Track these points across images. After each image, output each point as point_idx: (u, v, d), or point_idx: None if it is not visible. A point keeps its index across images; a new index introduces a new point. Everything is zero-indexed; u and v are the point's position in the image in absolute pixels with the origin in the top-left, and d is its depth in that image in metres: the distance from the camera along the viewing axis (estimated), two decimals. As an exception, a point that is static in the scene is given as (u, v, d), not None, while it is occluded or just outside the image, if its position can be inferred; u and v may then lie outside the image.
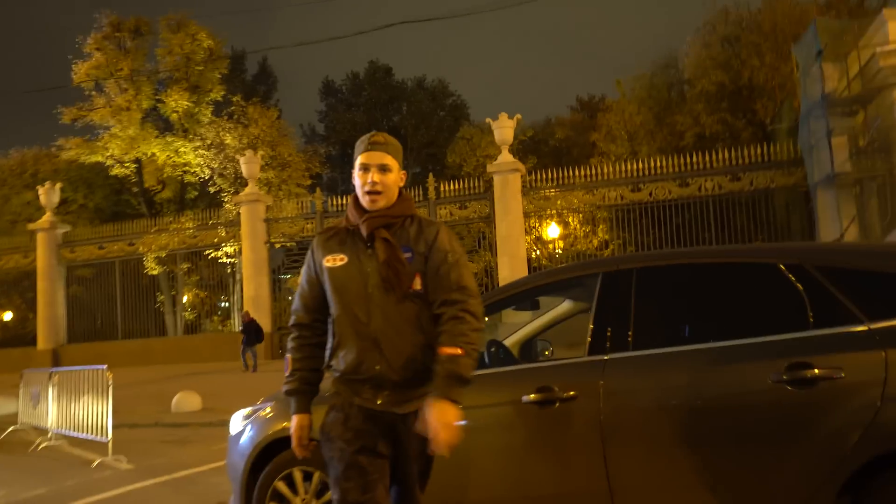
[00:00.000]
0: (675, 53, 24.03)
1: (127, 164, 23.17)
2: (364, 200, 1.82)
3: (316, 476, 3.01)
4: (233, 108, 24.33)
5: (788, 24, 19.35)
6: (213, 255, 20.53)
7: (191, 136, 23.40)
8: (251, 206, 18.75)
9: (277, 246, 19.16)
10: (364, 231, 1.78)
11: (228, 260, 20.79)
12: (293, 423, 1.92)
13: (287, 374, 1.93)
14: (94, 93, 22.81)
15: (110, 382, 6.94)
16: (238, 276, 20.62)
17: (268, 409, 3.35)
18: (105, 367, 7.06)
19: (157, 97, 23.41)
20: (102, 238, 20.57)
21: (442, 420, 1.64)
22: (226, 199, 22.31)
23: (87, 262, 20.60)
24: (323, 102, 36.67)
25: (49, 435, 7.85)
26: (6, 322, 24.22)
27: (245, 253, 18.76)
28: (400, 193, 1.90)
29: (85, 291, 21.27)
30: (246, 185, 19.54)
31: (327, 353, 1.88)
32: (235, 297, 21.64)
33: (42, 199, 20.53)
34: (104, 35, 22.50)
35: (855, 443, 2.04)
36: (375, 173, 1.79)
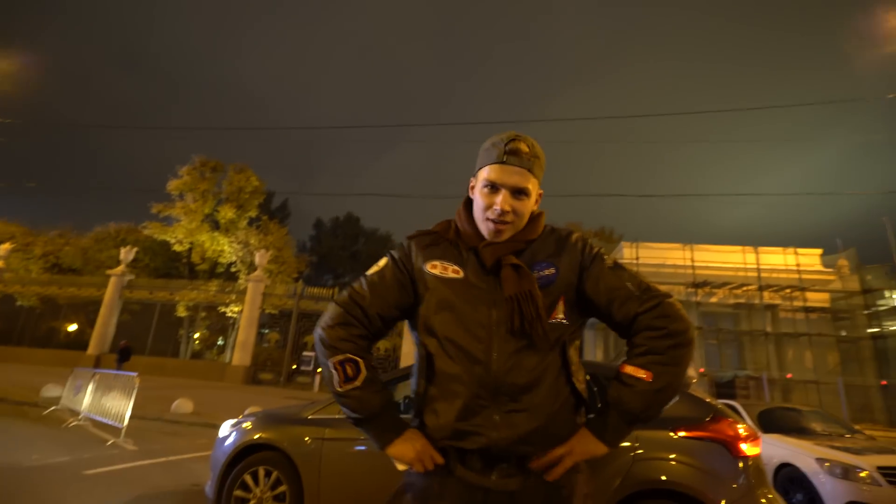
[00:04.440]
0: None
1: (184, 244, 25.44)
2: (484, 227, 1.06)
3: (274, 474, 3.15)
4: (261, 222, 27.33)
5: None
6: (223, 310, 22.47)
7: (229, 235, 25.87)
8: (256, 284, 20.73)
9: (266, 311, 20.91)
10: (487, 261, 1.03)
11: (232, 315, 22.64)
12: (408, 450, 1.01)
13: (354, 384, 1.01)
14: (177, 198, 25.43)
15: (136, 385, 6.75)
16: (236, 326, 22.23)
17: (248, 423, 3.45)
18: (136, 374, 6.98)
19: (216, 208, 25.98)
20: (153, 287, 22.31)
21: (578, 451, 0.98)
22: (240, 277, 24.41)
23: (139, 301, 22.05)
24: (314, 230, 42.82)
25: (80, 416, 7.62)
26: (70, 332, 24.49)
27: (245, 312, 20.51)
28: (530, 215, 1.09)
29: (131, 320, 22.23)
30: (256, 270, 21.61)
31: (414, 399, 1.06)
32: (230, 340, 23.41)
33: (121, 256, 22.46)
34: (193, 167, 25.81)
35: (617, 485, 2.51)
36: (508, 198, 1.03)
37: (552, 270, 1.04)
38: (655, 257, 19.24)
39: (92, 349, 20.80)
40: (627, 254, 19.29)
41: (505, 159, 1.04)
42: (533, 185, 1.06)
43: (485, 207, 1.06)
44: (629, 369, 0.99)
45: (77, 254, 26.75)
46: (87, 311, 23.62)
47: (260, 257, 21.76)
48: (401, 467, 1.03)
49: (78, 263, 26.47)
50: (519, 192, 1.04)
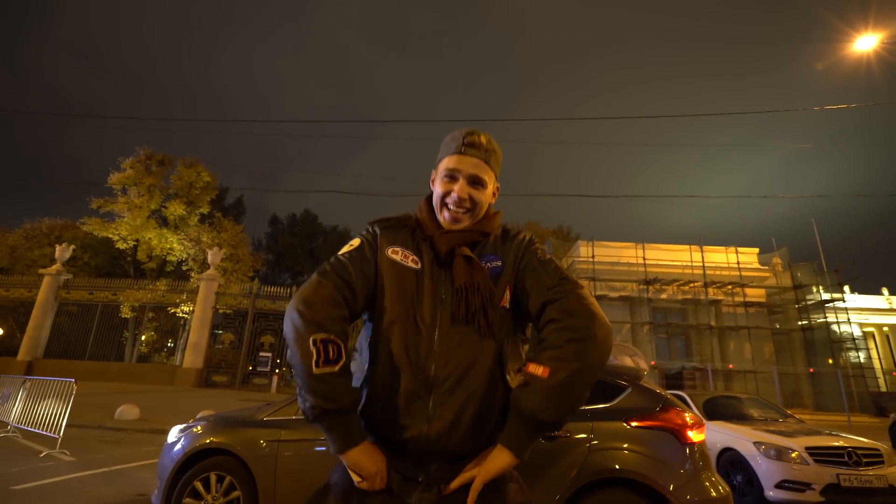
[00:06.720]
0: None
1: (128, 242, 24.04)
2: (443, 216, 1.09)
3: (227, 479, 3.05)
4: (214, 219, 26.41)
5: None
6: (173, 310, 21.31)
7: (179, 233, 24.73)
8: (208, 283, 20.14)
9: (220, 311, 20.25)
10: (441, 248, 1.04)
11: (183, 315, 21.55)
12: (369, 463, 0.93)
13: (333, 368, 0.91)
14: (119, 193, 23.96)
15: (74, 392, 6.41)
16: (187, 327, 21.32)
17: (198, 427, 3.32)
18: (73, 380, 6.62)
19: (163, 204, 24.67)
20: (93, 287, 20.90)
21: (486, 468, 0.92)
22: (192, 276, 23.49)
23: (77, 302, 20.56)
24: (270, 227, 41.84)
25: (8, 428, 7.15)
26: (-4, 336, 22.33)
27: (196, 313, 19.79)
28: (487, 209, 1.12)
29: (69, 322, 20.73)
30: (209, 268, 21.01)
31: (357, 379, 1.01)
32: (181, 342, 22.18)
33: (57, 254, 20.90)
34: (139, 160, 24.32)
35: (574, 475, 2.62)
36: (465, 186, 1.06)
37: (499, 263, 1.06)
38: (610, 255, 20.15)
39: (23, 354, 19.39)
40: (584, 252, 20.12)
41: (463, 150, 1.07)
42: (489, 177, 1.09)
43: (443, 195, 1.08)
44: (530, 367, 0.94)
45: (4, 251, 24.73)
46: (17, 314, 21.86)
47: (213, 255, 21.07)
48: (355, 477, 0.95)
49: (5, 262, 24.52)
50: (476, 182, 1.07)
